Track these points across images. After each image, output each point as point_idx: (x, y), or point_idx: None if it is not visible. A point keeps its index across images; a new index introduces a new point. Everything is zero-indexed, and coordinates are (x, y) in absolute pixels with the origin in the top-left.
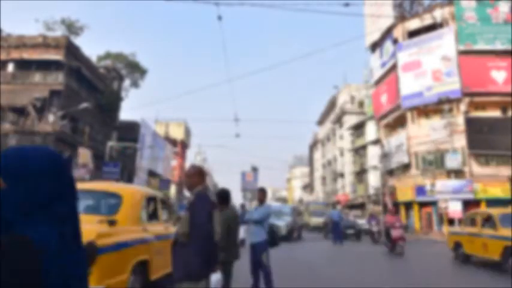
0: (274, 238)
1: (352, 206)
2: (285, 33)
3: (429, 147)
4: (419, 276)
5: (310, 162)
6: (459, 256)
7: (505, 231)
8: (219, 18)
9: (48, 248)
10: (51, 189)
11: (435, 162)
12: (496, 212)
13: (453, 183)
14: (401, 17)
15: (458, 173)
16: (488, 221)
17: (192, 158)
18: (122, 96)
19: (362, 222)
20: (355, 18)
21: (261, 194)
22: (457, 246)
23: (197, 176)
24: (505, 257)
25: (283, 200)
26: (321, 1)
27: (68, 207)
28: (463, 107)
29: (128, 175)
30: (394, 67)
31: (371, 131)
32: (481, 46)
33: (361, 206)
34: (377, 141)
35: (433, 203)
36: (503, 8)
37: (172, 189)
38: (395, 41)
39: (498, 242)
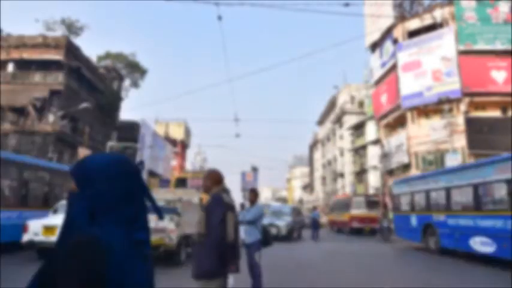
0: (267, 238)
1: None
2: (285, 33)
3: (429, 147)
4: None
5: (310, 162)
6: None
7: None
8: (219, 18)
9: (114, 247)
10: (119, 193)
11: (435, 162)
12: None
13: None
14: (401, 17)
15: None
16: None
17: (192, 158)
18: (121, 96)
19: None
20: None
21: (252, 194)
22: None
23: (210, 179)
24: None
25: (283, 200)
26: (321, 1)
27: (135, 210)
28: (463, 107)
29: None
30: (394, 67)
31: (371, 131)
32: (481, 46)
33: None
34: (377, 141)
35: None
36: (503, 8)
37: None
38: (395, 41)
39: None
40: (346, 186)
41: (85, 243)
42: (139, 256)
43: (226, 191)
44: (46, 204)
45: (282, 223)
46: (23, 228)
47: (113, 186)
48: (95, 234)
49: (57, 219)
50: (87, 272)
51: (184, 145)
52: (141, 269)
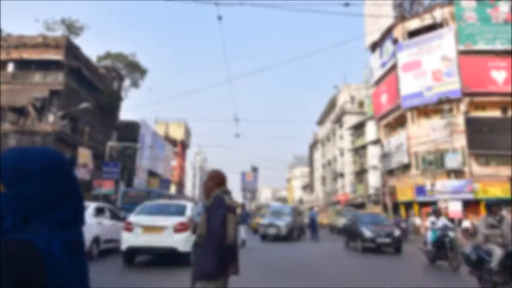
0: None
1: (352, 206)
2: (285, 33)
3: (429, 147)
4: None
5: (310, 162)
6: None
7: None
8: (219, 18)
9: (51, 254)
10: (52, 192)
11: (435, 162)
12: None
13: (453, 183)
14: (401, 17)
15: (458, 173)
16: None
17: (192, 158)
18: (121, 96)
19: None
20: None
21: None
22: None
23: (212, 180)
24: None
25: (283, 200)
26: (321, 1)
27: (70, 212)
28: (463, 107)
29: (127, 175)
30: (394, 67)
31: (371, 131)
32: (481, 46)
33: (361, 206)
34: (377, 141)
35: (433, 203)
36: (503, 8)
37: (172, 189)
38: (395, 41)
39: None
40: (346, 186)
41: (18, 250)
42: (74, 259)
43: (227, 192)
44: None
45: (282, 223)
46: None
47: (46, 185)
48: (28, 239)
49: None
50: (22, 281)
51: (184, 145)
52: (77, 272)
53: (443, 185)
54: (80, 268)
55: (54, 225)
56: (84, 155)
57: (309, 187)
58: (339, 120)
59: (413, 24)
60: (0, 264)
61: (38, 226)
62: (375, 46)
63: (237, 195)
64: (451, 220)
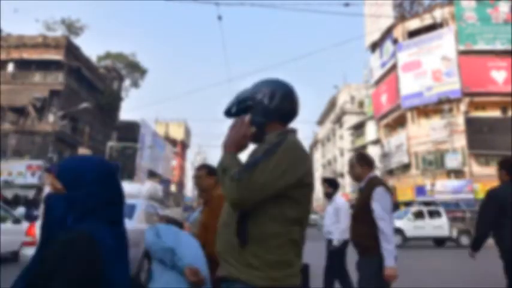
0: None
1: (352, 206)
2: (285, 33)
3: (429, 147)
4: None
5: None
6: None
7: None
8: (219, 18)
9: (105, 244)
10: (104, 194)
11: (435, 162)
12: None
13: (453, 183)
14: (401, 17)
15: (458, 173)
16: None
17: (192, 158)
18: (122, 96)
19: None
20: (355, 18)
21: None
22: None
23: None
24: None
25: None
26: (321, 1)
27: (116, 212)
28: (463, 107)
29: (127, 175)
30: (394, 67)
31: (371, 131)
32: (481, 46)
33: None
34: (377, 141)
35: (433, 203)
36: (503, 8)
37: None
38: (395, 41)
39: None
40: (346, 186)
41: (79, 239)
42: (121, 249)
43: None
44: None
45: None
46: None
47: (102, 187)
48: (86, 230)
49: None
50: (85, 267)
51: (184, 145)
52: (125, 263)
53: (443, 185)
54: (125, 256)
55: (105, 222)
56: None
57: None
58: (339, 120)
59: (413, 24)
60: (66, 250)
61: (93, 222)
62: (375, 46)
63: None
64: None
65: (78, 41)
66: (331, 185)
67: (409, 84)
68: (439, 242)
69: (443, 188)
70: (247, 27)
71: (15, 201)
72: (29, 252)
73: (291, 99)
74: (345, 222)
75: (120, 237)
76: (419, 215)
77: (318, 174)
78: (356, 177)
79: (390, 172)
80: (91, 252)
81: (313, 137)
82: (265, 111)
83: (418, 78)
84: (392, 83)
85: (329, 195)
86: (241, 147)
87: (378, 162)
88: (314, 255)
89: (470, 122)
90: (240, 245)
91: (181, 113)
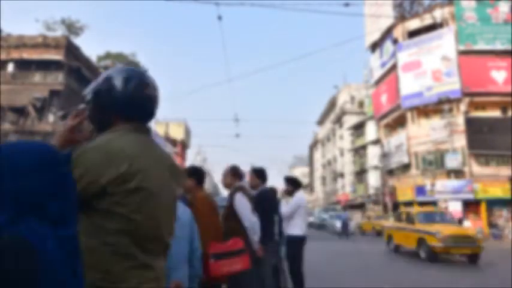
0: None
1: (352, 206)
2: (285, 33)
3: (429, 147)
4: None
5: (310, 162)
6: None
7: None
8: (219, 18)
9: (45, 249)
10: (43, 187)
11: (435, 162)
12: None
13: (453, 183)
14: (401, 17)
15: (458, 173)
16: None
17: (192, 158)
18: None
19: None
20: (355, 18)
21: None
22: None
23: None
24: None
25: None
26: (321, 1)
27: (62, 209)
28: (463, 107)
29: None
30: (394, 67)
31: (371, 131)
32: (481, 46)
33: (361, 206)
34: (377, 141)
35: (433, 203)
36: (503, 8)
37: None
38: (395, 41)
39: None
40: (346, 186)
41: (12, 245)
42: (68, 256)
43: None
44: None
45: None
46: None
47: (42, 179)
48: (19, 234)
49: None
50: (16, 276)
51: (184, 145)
52: (72, 274)
53: (443, 185)
54: (73, 266)
55: (48, 222)
56: None
57: (309, 187)
58: (339, 120)
59: (413, 24)
60: None
61: (30, 223)
62: (375, 46)
63: None
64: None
65: (78, 41)
66: (292, 184)
67: (409, 84)
68: None
69: (443, 188)
70: (247, 27)
71: None
72: None
73: (131, 89)
74: (299, 218)
75: (68, 241)
76: None
77: (318, 174)
78: (226, 185)
79: (390, 172)
80: (26, 261)
81: (313, 137)
82: (101, 104)
83: (418, 78)
84: (392, 83)
85: (290, 193)
86: (68, 141)
87: (378, 162)
88: (318, 255)
89: (470, 122)
90: None
91: (181, 113)
